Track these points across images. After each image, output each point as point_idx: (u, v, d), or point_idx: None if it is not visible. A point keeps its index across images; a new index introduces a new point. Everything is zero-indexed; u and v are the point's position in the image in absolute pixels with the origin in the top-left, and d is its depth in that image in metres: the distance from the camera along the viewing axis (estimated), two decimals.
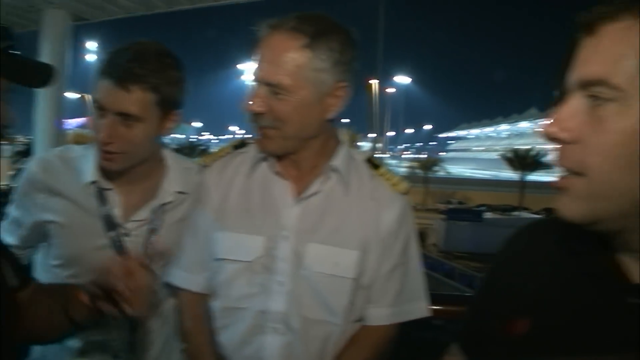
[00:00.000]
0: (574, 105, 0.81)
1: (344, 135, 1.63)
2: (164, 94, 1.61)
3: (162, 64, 1.62)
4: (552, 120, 0.82)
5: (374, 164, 1.63)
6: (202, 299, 1.63)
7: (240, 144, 1.70)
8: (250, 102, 1.46)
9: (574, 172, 0.81)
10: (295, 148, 1.53)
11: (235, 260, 1.55)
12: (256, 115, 1.48)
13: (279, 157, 1.57)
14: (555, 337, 0.88)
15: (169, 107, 1.66)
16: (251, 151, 1.63)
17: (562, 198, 0.83)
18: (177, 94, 1.67)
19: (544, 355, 0.89)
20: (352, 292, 1.53)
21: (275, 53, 1.43)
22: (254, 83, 1.48)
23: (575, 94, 0.81)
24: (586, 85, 0.79)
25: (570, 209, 0.82)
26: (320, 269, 1.51)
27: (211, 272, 1.60)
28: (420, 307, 1.66)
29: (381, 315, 1.60)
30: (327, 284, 1.52)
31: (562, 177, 0.83)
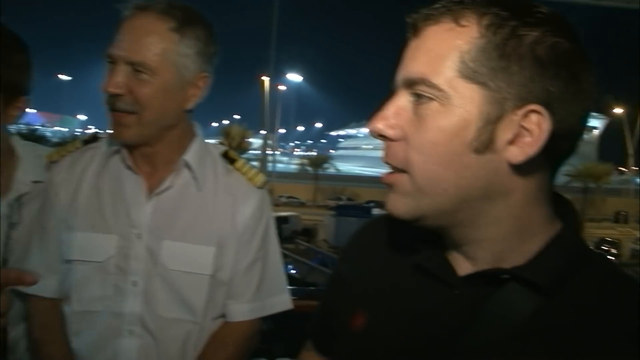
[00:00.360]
0: (399, 103, 0.83)
1: (199, 128, 1.59)
2: (4, 78, 1.47)
3: (2, 46, 1.47)
4: (377, 117, 0.84)
5: (230, 158, 1.60)
6: (54, 304, 1.52)
7: (91, 139, 1.60)
8: (109, 83, 1.38)
9: (398, 169, 0.83)
10: (152, 138, 1.46)
11: (86, 261, 1.47)
12: (114, 98, 1.39)
13: (132, 151, 1.49)
14: (391, 330, 0.91)
15: (12, 93, 1.51)
16: (103, 146, 1.54)
17: (389, 194, 0.86)
18: (21, 78, 1.53)
19: (382, 349, 0.92)
20: (210, 288, 1.50)
21: (142, 33, 1.39)
22: (111, 63, 1.40)
23: (401, 92, 0.84)
24: (410, 83, 0.82)
25: (396, 205, 0.85)
26: (175, 266, 1.48)
27: (62, 275, 1.51)
28: (282, 300, 1.64)
29: (242, 310, 1.57)
30: (184, 282, 1.48)
31: (389, 174, 0.85)
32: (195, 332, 1.50)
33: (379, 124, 0.83)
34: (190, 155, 1.51)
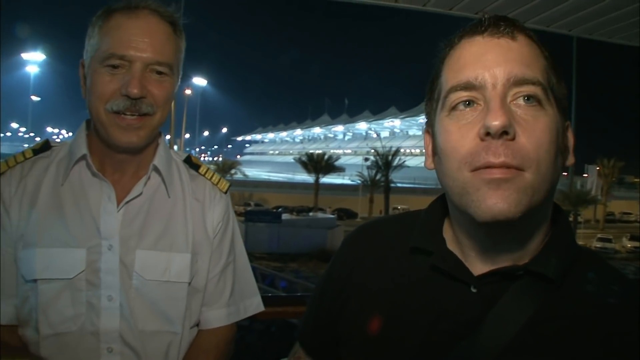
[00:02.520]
0: (510, 101, 0.85)
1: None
2: None
3: None
4: (500, 113, 0.82)
5: (194, 163, 1.57)
6: (10, 332, 1.38)
7: (42, 147, 1.47)
8: (135, 85, 1.30)
9: (516, 167, 0.83)
10: (151, 141, 1.43)
11: (52, 279, 1.35)
12: (136, 101, 1.32)
13: (103, 157, 1.42)
14: (411, 330, 0.95)
15: None
16: (59, 154, 1.45)
17: (500, 191, 0.83)
18: None
19: (403, 349, 0.95)
20: (188, 296, 1.46)
21: (156, 33, 1.35)
22: (116, 67, 1.32)
23: (504, 90, 0.85)
24: (523, 83, 0.84)
25: (510, 202, 0.82)
26: (152, 276, 1.40)
27: (21, 298, 1.36)
28: (256, 303, 1.64)
29: (219, 316, 1.55)
30: (162, 292, 1.41)
31: (505, 169, 0.83)
32: (176, 343, 1.45)
33: (505, 119, 0.82)
34: (159, 161, 1.46)
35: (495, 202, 0.82)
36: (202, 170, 1.57)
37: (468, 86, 0.87)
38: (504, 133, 0.82)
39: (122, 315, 1.37)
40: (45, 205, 1.39)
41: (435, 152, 0.95)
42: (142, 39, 1.32)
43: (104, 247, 1.38)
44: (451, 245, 0.98)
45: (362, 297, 1.05)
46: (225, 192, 1.58)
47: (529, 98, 0.84)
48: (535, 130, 0.83)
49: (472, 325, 0.89)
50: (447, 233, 1.01)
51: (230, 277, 1.57)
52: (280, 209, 42.56)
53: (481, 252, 0.93)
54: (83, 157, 1.40)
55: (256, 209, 41.33)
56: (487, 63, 0.86)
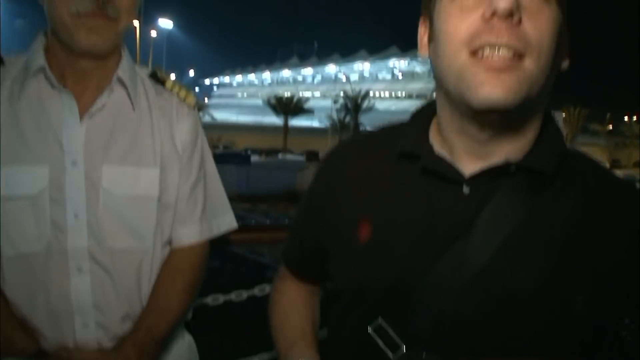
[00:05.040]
0: None
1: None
2: None
3: None
4: None
5: (159, 78, 1.51)
6: None
7: None
8: None
9: (517, 52, 0.82)
10: (114, 48, 1.38)
11: (14, 197, 1.29)
12: (99, 2, 1.27)
13: (63, 68, 1.35)
14: (403, 233, 0.94)
15: None
16: (14, 68, 1.36)
17: (502, 80, 0.82)
18: None
19: (395, 253, 0.94)
20: (158, 213, 1.42)
21: None
22: None
23: None
24: None
25: (509, 90, 0.82)
26: (120, 192, 1.37)
27: None
28: (229, 219, 1.61)
29: (191, 233, 1.51)
30: (131, 207, 1.39)
31: (505, 60, 0.82)
32: (148, 261, 1.42)
33: (512, 0, 0.80)
34: (123, 72, 1.40)
35: (493, 89, 0.82)
36: (169, 85, 1.51)
37: None
38: (510, 16, 0.80)
39: (90, 233, 1.34)
40: (2, 122, 1.32)
41: (432, 39, 0.92)
42: None
43: (67, 163, 1.33)
44: (440, 149, 0.96)
45: (350, 206, 1.03)
46: (193, 107, 1.54)
47: None
48: (540, 19, 0.82)
49: (466, 227, 0.89)
50: (435, 138, 0.99)
51: (201, 194, 1.53)
52: (248, 151, 42.31)
53: (472, 151, 0.92)
54: (41, 69, 1.34)
55: (224, 152, 40.94)
56: None
